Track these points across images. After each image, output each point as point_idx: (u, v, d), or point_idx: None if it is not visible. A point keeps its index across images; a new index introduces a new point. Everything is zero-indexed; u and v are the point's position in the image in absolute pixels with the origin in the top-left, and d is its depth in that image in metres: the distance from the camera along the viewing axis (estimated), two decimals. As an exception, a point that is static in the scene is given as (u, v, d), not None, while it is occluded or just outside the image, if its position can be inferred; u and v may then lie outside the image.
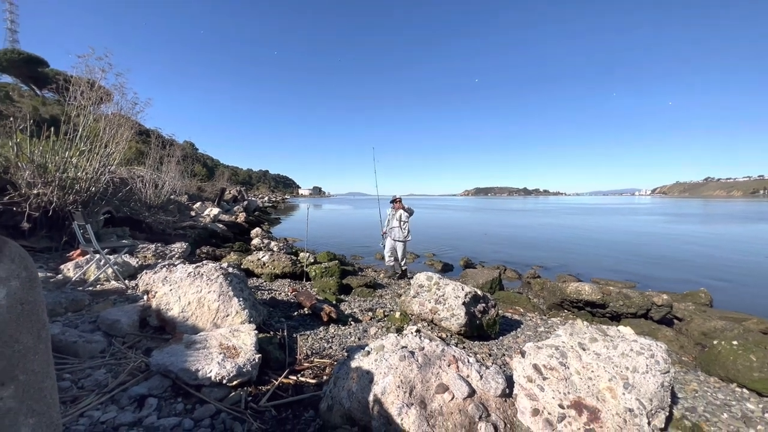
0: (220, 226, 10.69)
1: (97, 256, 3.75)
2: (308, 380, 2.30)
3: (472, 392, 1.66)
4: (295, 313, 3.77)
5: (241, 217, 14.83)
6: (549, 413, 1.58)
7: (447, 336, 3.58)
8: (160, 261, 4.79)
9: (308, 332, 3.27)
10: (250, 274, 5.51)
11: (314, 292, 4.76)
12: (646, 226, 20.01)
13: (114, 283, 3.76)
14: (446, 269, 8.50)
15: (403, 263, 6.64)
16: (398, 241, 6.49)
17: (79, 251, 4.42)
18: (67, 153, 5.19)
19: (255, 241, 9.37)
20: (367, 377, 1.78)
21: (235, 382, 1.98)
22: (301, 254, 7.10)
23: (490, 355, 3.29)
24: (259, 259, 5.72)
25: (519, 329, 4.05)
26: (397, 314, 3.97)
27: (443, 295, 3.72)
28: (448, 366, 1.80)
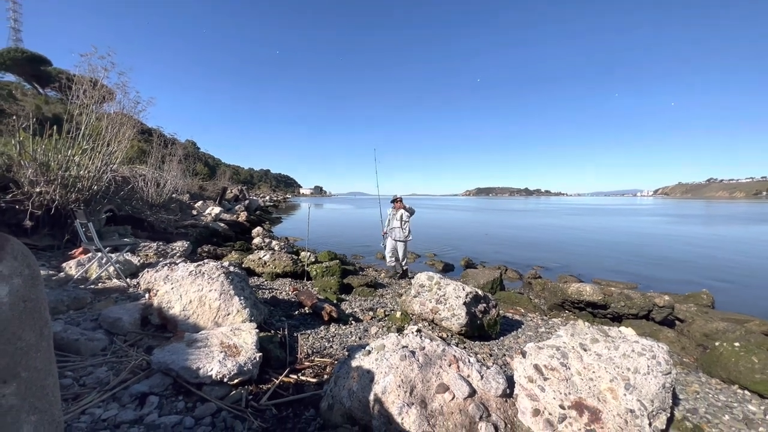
0: (222, 225, 10.71)
1: (99, 254, 3.77)
2: (309, 379, 2.31)
3: (472, 392, 1.66)
4: (296, 312, 3.78)
5: (243, 217, 14.85)
6: (550, 414, 1.58)
7: (448, 336, 3.58)
8: (161, 259, 4.80)
9: (309, 331, 3.27)
10: (251, 273, 5.52)
11: (315, 291, 4.76)
12: (648, 227, 19.95)
13: (116, 282, 3.77)
14: (447, 269, 8.49)
15: (404, 263, 6.64)
16: (399, 240, 6.49)
17: (81, 249, 4.43)
18: (69, 151, 5.20)
19: (256, 240, 9.38)
20: (368, 376, 1.78)
21: (235, 381, 1.99)
22: (302, 253, 7.11)
23: (490, 355, 3.28)
24: (260, 258, 5.73)
25: (520, 329, 4.04)
26: (398, 314, 3.97)
27: (444, 295, 3.71)
28: (449, 366, 1.80)
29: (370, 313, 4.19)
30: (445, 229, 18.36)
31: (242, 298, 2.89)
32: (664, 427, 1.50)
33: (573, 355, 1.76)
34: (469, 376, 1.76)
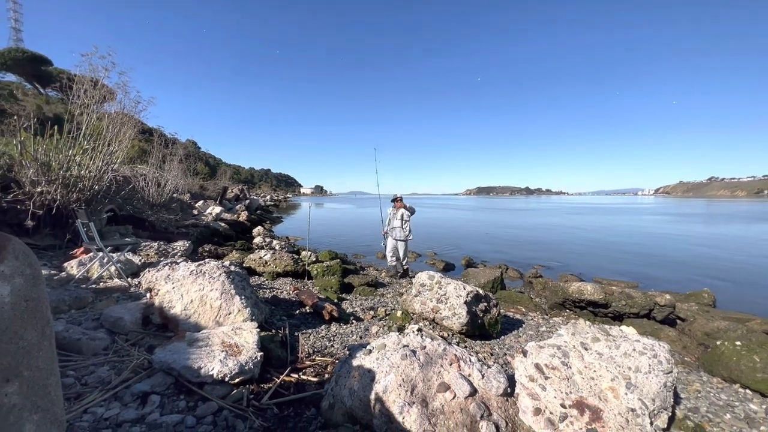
0: (222, 224, 10.73)
1: (101, 254, 3.77)
2: (310, 378, 2.31)
3: (473, 391, 1.66)
4: (297, 312, 3.78)
5: (243, 216, 14.86)
6: (551, 413, 1.58)
7: (449, 335, 3.58)
8: (162, 259, 4.81)
9: (310, 331, 3.27)
10: (252, 272, 5.53)
11: (316, 290, 4.77)
12: (649, 226, 19.91)
13: (117, 281, 3.77)
14: (448, 268, 8.49)
15: (404, 262, 6.64)
16: (399, 240, 6.48)
17: (82, 249, 4.44)
18: (70, 151, 5.21)
19: (257, 240, 9.39)
20: (369, 376, 1.78)
21: (237, 380, 1.99)
22: (303, 253, 7.11)
23: (491, 355, 3.28)
24: (261, 258, 5.74)
25: (521, 329, 4.04)
26: (399, 313, 3.97)
27: (445, 294, 3.71)
28: (450, 365, 1.80)
29: (371, 312, 4.19)
30: (445, 229, 18.36)
31: (243, 297, 2.90)
32: (665, 426, 1.49)
33: (574, 354, 1.76)
34: (470, 375, 1.76)
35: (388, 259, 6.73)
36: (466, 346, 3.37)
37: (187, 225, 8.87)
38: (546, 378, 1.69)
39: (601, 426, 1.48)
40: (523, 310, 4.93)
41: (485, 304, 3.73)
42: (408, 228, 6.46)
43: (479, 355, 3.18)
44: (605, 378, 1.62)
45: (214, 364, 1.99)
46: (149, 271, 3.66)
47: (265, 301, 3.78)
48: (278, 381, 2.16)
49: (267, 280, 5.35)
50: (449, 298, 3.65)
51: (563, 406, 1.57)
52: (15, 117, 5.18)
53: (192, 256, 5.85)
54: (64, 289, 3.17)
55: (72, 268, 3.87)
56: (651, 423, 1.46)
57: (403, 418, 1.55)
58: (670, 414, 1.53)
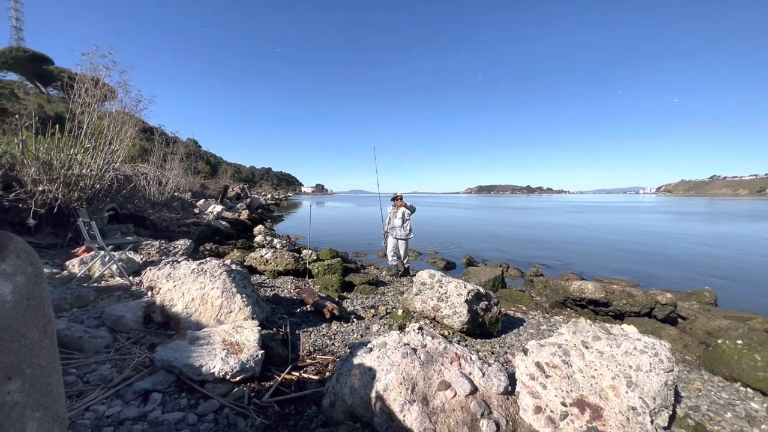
0: (223, 223, 10.75)
1: (102, 252, 3.78)
2: (311, 377, 2.31)
3: (474, 389, 1.66)
4: (298, 310, 3.79)
5: (244, 215, 14.88)
6: (551, 411, 1.58)
7: (449, 333, 3.59)
8: (163, 258, 4.82)
9: (311, 329, 3.28)
10: (253, 271, 5.54)
11: (317, 289, 4.78)
12: (650, 225, 19.87)
13: (118, 280, 3.79)
14: (449, 267, 8.49)
15: (405, 261, 6.64)
16: (400, 239, 6.48)
17: (84, 248, 4.45)
18: (72, 150, 5.22)
19: (258, 239, 9.41)
20: (370, 374, 1.78)
21: (238, 378, 2.00)
22: (304, 251, 7.12)
23: (492, 353, 3.28)
24: (261, 256, 5.75)
25: (521, 327, 4.04)
26: (400, 312, 3.98)
27: (446, 293, 3.71)
28: (451, 363, 1.80)
29: (372, 310, 4.20)
30: (446, 227, 18.35)
31: (244, 295, 2.90)
32: (666, 424, 1.49)
33: (575, 353, 1.76)
34: (470, 373, 1.77)
35: (389, 257, 6.73)
36: (466, 345, 3.37)
37: (188, 224, 8.89)
38: (547, 376, 1.69)
39: (601, 424, 1.48)
40: (524, 308, 4.93)
41: (486, 302, 3.73)
42: (408, 227, 6.46)
43: (480, 353, 3.18)
44: (606, 376, 1.61)
45: (215, 362, 1.99)
46: (150, 269, 3.67)
47: (266, 300, 3.79)
48: (279, 379, 2.17)
49: (268, 278, 5.36)
50: (450, 297, 3.65)
51: (564, 404, 1.57)
52: (16, 116, 5.19)
53: (193, 254, 5.86)
54: (65, 288, 3.18)
55: (73, 266, 3.88)
56: (652, 421, 1.46)
57: (404, 416, 1.55)
58: (671, 412, 1.53)
